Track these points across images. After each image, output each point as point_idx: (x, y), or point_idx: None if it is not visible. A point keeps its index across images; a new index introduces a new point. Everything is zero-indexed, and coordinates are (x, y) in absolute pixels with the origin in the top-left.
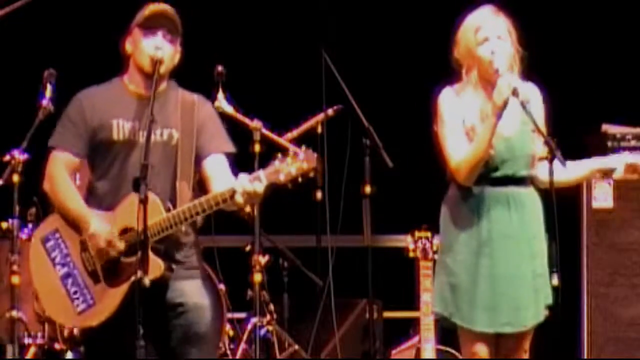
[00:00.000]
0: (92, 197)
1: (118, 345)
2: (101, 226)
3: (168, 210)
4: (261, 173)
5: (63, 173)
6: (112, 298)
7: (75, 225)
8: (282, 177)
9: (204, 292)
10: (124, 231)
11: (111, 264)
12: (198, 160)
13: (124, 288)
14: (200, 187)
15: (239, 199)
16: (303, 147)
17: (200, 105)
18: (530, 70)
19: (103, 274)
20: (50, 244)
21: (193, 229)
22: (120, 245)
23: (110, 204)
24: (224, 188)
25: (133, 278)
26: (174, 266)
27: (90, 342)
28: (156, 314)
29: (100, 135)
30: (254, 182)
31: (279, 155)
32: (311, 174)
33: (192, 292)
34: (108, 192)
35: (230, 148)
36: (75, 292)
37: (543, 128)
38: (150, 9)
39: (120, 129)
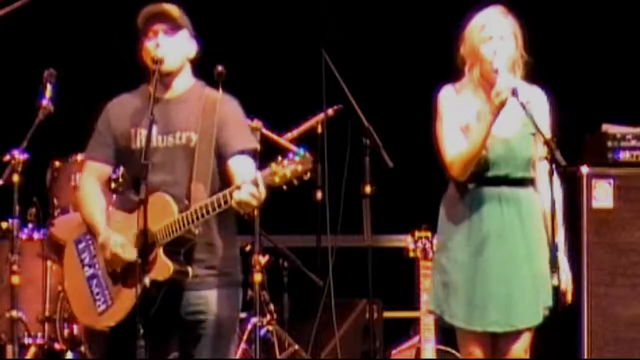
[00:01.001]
0: (122, 203)
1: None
2: (108, 238)
3: (184, 209)
4: (258, 175)
5: (90, 182)
6: (126, 299)
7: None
8: (277, 180)
9: (225, 302)
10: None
11: (128, 265)
12: (222, 158)
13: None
14: (227, 185)
15: (234, 205)
16: (300, 150)
17: (222, 103)
18: (531, 70)
19: (121, 274)
20: (81, 245)
21: (229, 230)
22: (127, 255)
23: (134, 209)
24: (227, 190)
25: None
26: (197, 272)
27: (107, 342)
28: (177, 320)
29: (122, 144)
30: (252, 187)
31: (279, 157)
32: (306, 177)
33: (213, 301)
34: (133, 197)
35: (252, 145)
36: (97, 293)
37: (546, 131)
38: (145, 11)
39: (138, 136)
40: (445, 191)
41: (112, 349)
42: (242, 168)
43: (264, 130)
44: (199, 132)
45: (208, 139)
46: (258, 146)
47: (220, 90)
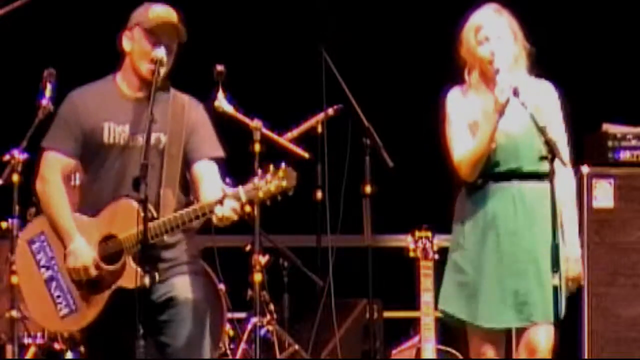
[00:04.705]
0: (84, 198)
1: (113, 347)
2: (82, 248)
3: (151, 218)
4: (240, 190)
5: (55, 176)
6: (94, 305)
7: (58, 236)
8: (260, 194)
9: (194, 287)
10: (106, 238)
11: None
12: (187, 164)
13: (106, 295)
14: (187, 190)
15: (215, 220)
16: (283, 165)
17: (191, 108)
18: (531, 70)
19: (86, 280)
20: (35, 246)
21: (190, 232)
22: (93, 272)
23: (99, 208)
24: (205, 202)
25: (114, 286)
26: (160, 266)
27: (90, 345)
28: (146, 312)
29: (91, 138)
30: (233, 202)
31: (259, 171)
32: (290, 192)
33: (182, 287)
34: (98, 196)
35: (220, 153)
36: (58, 297)
37: (557, 124)
38: (158, 15)
39: (112, 132)
40: (459, 191)
41: (110, 348)
42: (209, 176)
43: (264, 130)
44: (168, 135)
45: (177, 143)
46: (224, 155)
47: (220, 90)
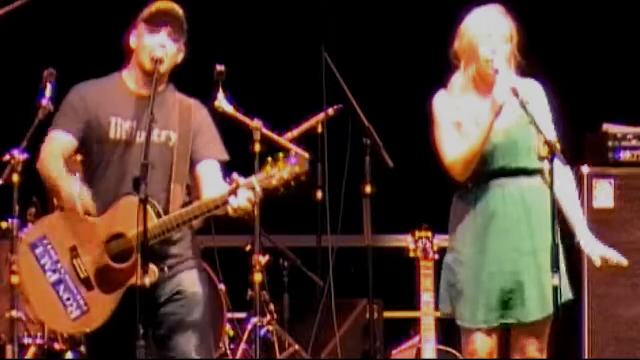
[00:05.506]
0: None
1: (120, 346)
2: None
3: (158, 214)
4: (254, 180)
5: (54, 151)
6: (106, 304)
7: (62, 199)
8: (274, 182)
9: (200, 282)
10: (114, 237)
11: (103, 270)
12: (191, 163)
13: (118, 294)
14: (189, 190)
15: (230, 211)
16: (293, 151)
17: (197, 109)
18: (531, 69)
19: (96, 280)
20: (38, 250)
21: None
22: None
23: (103, 205)
24: (217, 194)
25: (127, 284)
26: (168, 262)
27: (93, 344)
28: (152, 306)
29: (96, 130)
30: (248, 192)
31: (270, 159)
32: (303, 177)
33: (189, 281)
34: (102, 192)
35: (224, 156)
36: (68, 299)
37: (548, 123)
38: (157, 5)
39: (118, 127)
40: (455, 192)
41: (113, 349)
42: (212, 176)
43: (264, 130)
44: (177, 133)
45: (186, 142)
46: (228, 158)
47: (220, 90)
